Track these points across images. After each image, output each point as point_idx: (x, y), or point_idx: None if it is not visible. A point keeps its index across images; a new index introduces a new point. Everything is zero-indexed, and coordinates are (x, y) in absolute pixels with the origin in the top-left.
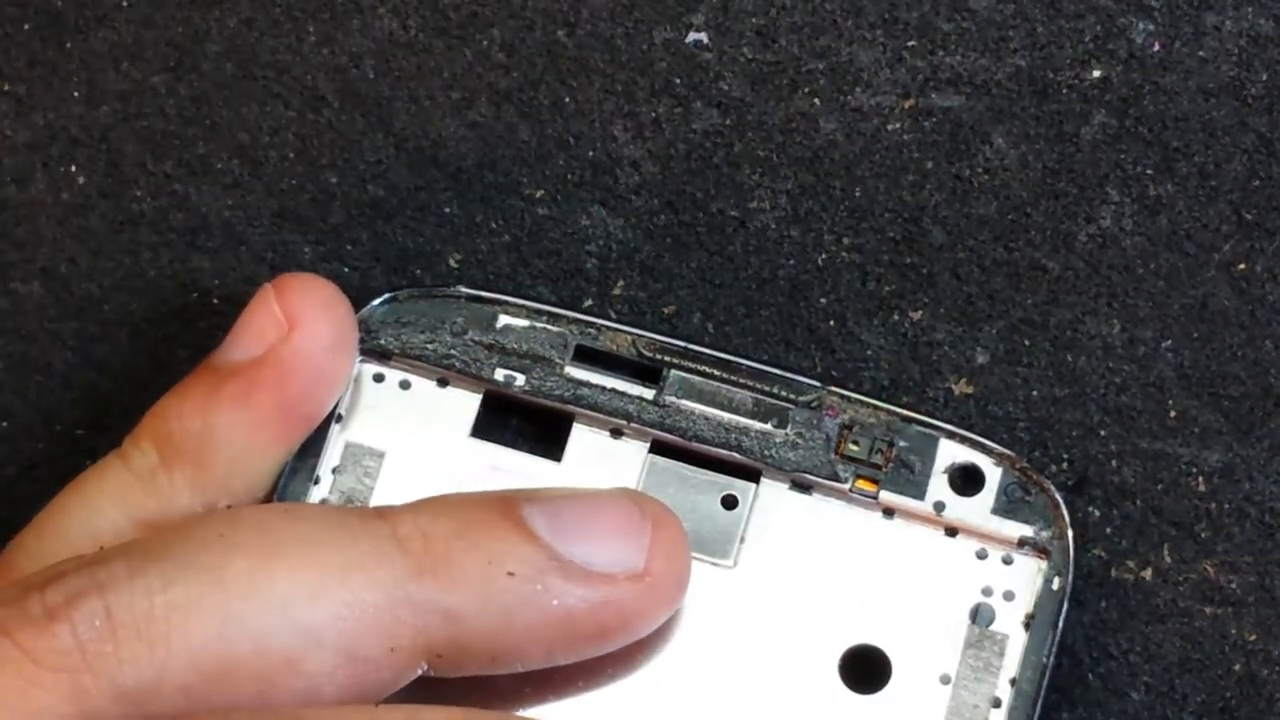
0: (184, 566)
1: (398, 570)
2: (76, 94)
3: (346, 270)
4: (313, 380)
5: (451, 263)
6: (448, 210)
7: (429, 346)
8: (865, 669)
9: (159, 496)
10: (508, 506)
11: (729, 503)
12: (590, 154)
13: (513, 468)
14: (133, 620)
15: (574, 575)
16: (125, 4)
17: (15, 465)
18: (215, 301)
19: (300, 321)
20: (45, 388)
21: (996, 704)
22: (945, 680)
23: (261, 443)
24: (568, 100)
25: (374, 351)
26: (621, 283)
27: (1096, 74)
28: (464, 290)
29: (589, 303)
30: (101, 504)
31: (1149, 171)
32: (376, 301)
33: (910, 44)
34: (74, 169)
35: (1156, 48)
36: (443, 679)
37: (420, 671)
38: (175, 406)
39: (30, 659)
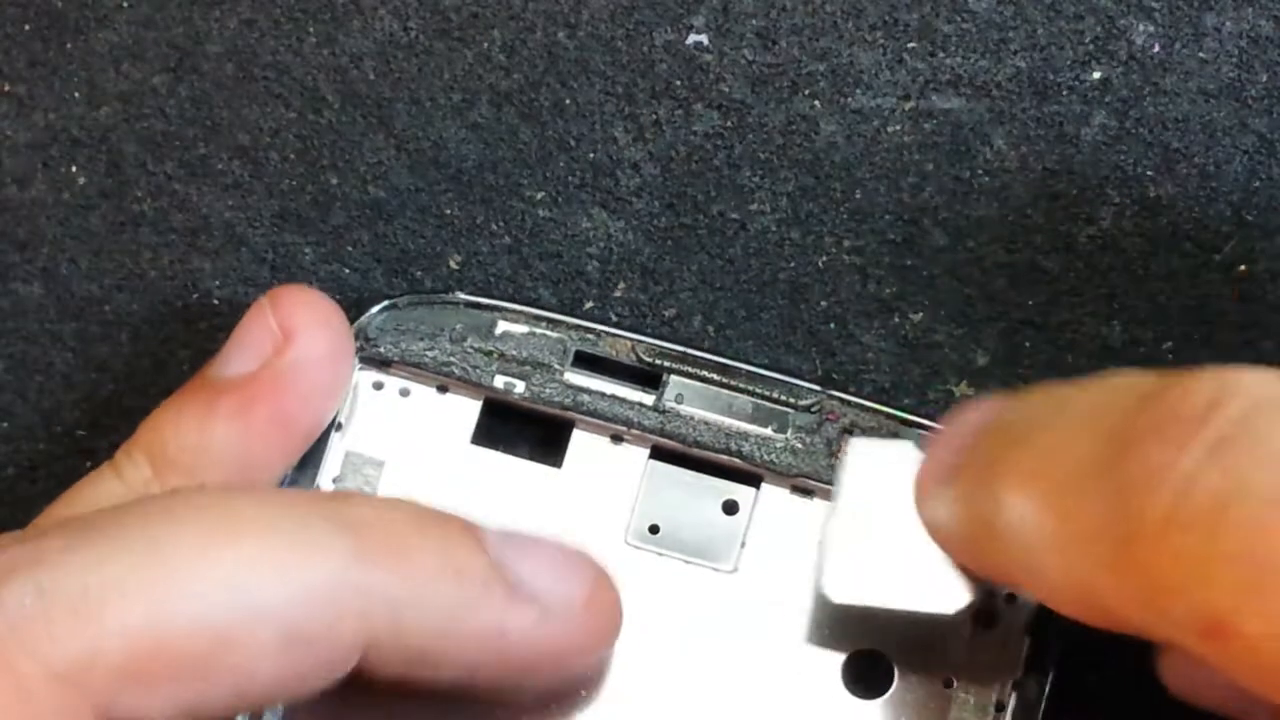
0: (123, 542)
1: (346, 552)
2: (77, 94)
3: (347, 271)
4: (310, 393)
5: (452, 264)
6: (448, 212)
7: (428, 354)
8: (868, 674)
9: None
10: (464, 521)
11: (730, 508)
12: (591, 156)
13: (513, 474)
14: (67, 598)
15: (516, 592)
16: (126, 5)
17: (15, 466)
18: (216, 302)
19: (296, 334)
20: (45, 388)
21: (1000, 708)
22: (949, 684)
23: (259, 456)
24: (568, 102)
25: (373, 359)
26: (622, 285)
27: (1097, 75)
28: (462, 297)
29: (590, 305)
30: None
31: (1149, 172)
32: (375, 309)
33: (910, 46)
34: (74, 169)
35: (1156, 49)
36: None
37: (355, 660)
38: (170, 420)
39: None
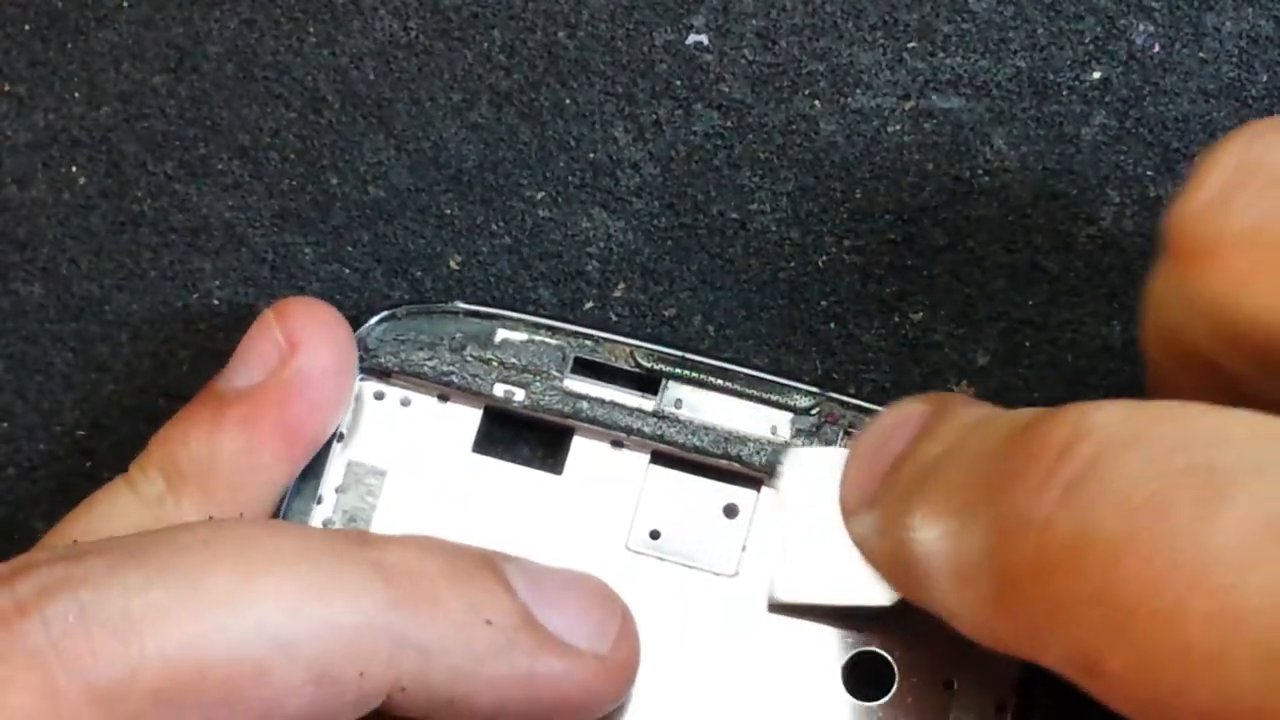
0: (164, 569)
1: (379, 597)
2: (77, 94)
3: (347, 272)
4: (315, 403)
5: (452, 264)
6: (448, 212)
7: (428, 363)
8: (869, 675)
9: (166, 522)
10: (491, 562)
11: (730, 512)
12: (591, 156)
13: (514, 481)
14: (108, 618)
15: (545, 639)
16: (126, 5)
17: (15, 466)
18: (216, 302)
19: (301, 344)
20: (45, 388)
21: (1001, 709)
22: (949, 686)
23: (266, 465)
24: (568, 102)
25: (374, 370)
26: (622, 285)
27: (1096, 75)
28: (461, 305)
29: (589, 305)
30: (109, 530)
31: (1149, 172)
32: (374, 320)
33: (910, 46)
34: (75, 169)
35: (1157, 49)
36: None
37: (380, 702)
38: (180, 433)
39: (0, 658)
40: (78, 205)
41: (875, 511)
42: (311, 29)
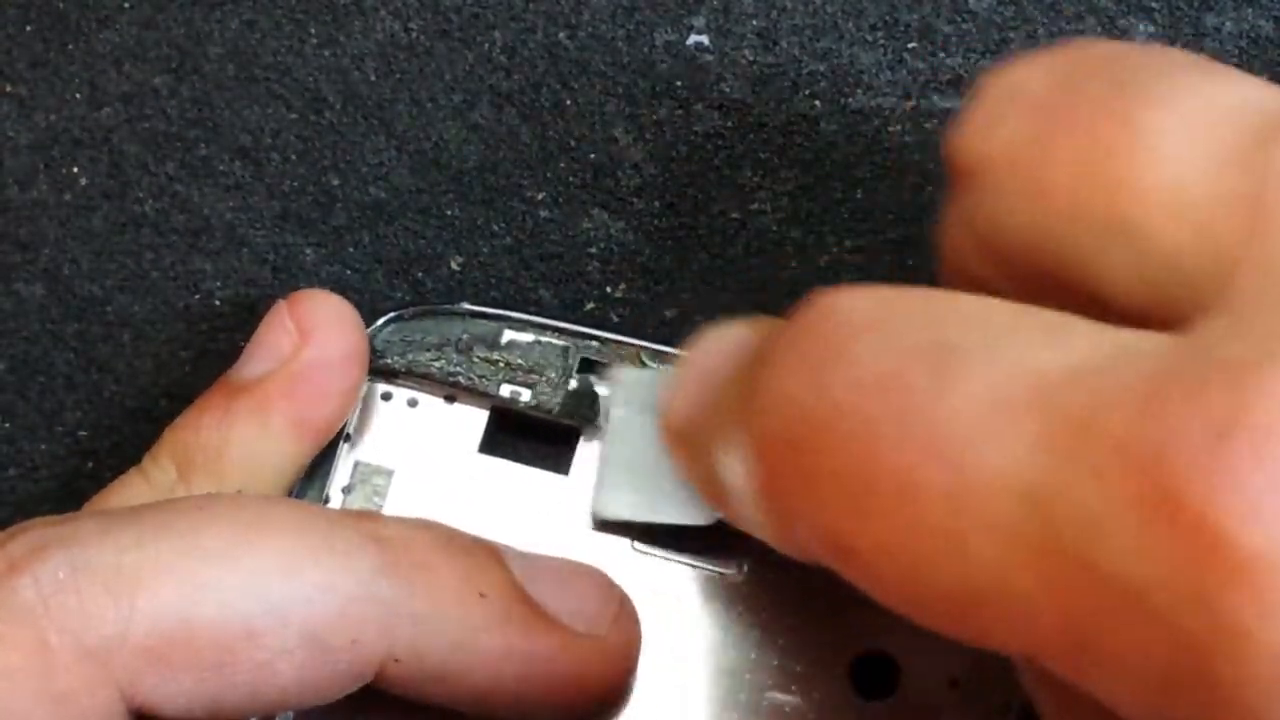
0: (157, 529)
1: (373, 565)
2: (79, 95)
3: (348, 272)
4: (326, 392)
5: (453, 265)
6: (449, 213)
7: (435, 364)
8: (874, 674)
9: None
10: (490, 545)
11: None
12: (591, 156)
13: (521, 482)
14: (100, 575)
15: (541, 617)
16: (128, 5)
17: (17, 466)
18: (217, 303)
19: (312, 335)
20: (47, 389)
21: (1006, 708)
22: (954, 684)
23: (277, 454)
24: (569, 102)
25: (381, 371)
26: (623, 285)
27: None
28: (467, 307)
29: (590, 305)
30: None
31: None
32: (380, 321)
33: (911, 46)
34: (76, 170)
35: None
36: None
37: (373, 673)
38: (193, 422)
39: None
40: (79, 206)
41: (690, 431)
42: (313, 30)
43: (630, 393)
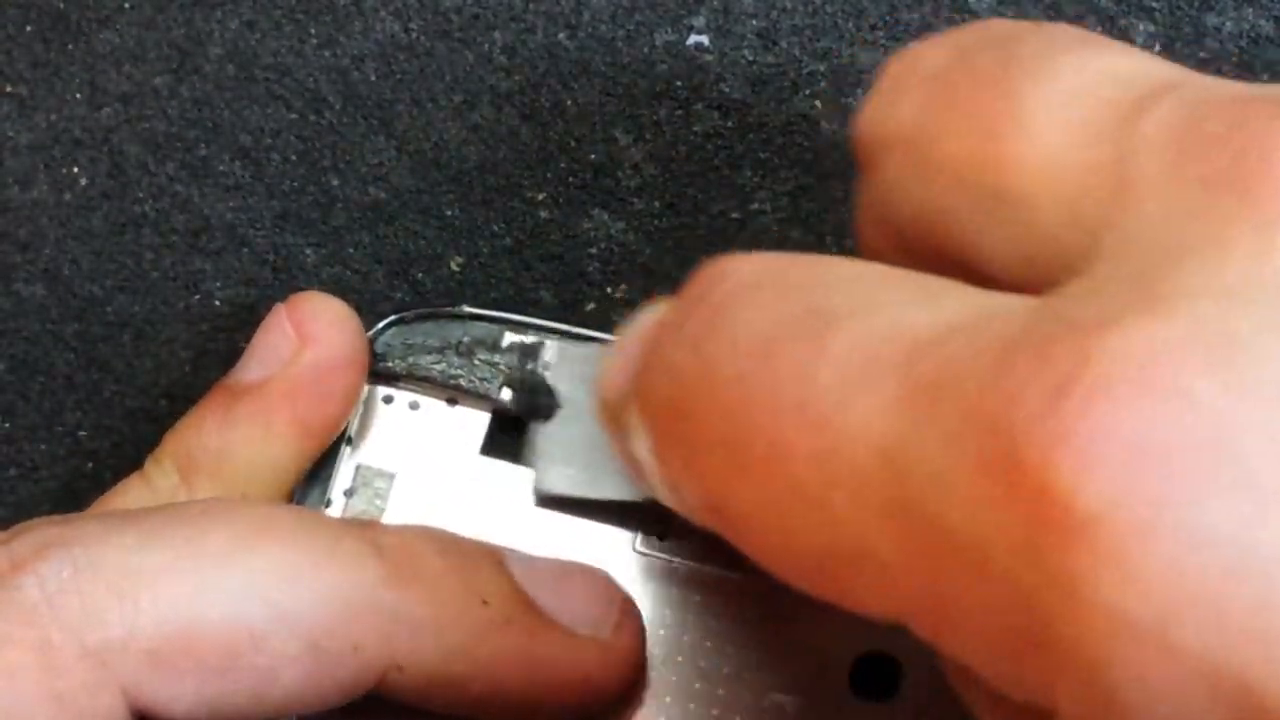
0: (162, 532)
1: (375, 574)
2: (79, 95)
3: (348, 273)
4: (327, 394)
5: (453, 265)
6: (449, 213)
7: (436, 367)
8: (877, 676)
9: None
10: (489, 548)
11: None
12: (591, 156)
13: (523, 484)
14: (104, 575)
15: (543, 621)
16: (128, 6)
17: (17, 467)
18: (217, 303)
19: (312, 338)
20: (47, 389)
21: None
22: None
23: (278, 457)
24: (569, 103)
25: (382, 374)
26: (624, 285)
27: None
28: (468, 310)
29: (591, 306)
30: None
31: None
32: (381, 324)
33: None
34: (76, 170)
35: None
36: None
37: (375, 682)
38: (194, 426)
39: None
40: (79, 206)
41: (615, 406)
42: (313, 30)
43: (572, 368)
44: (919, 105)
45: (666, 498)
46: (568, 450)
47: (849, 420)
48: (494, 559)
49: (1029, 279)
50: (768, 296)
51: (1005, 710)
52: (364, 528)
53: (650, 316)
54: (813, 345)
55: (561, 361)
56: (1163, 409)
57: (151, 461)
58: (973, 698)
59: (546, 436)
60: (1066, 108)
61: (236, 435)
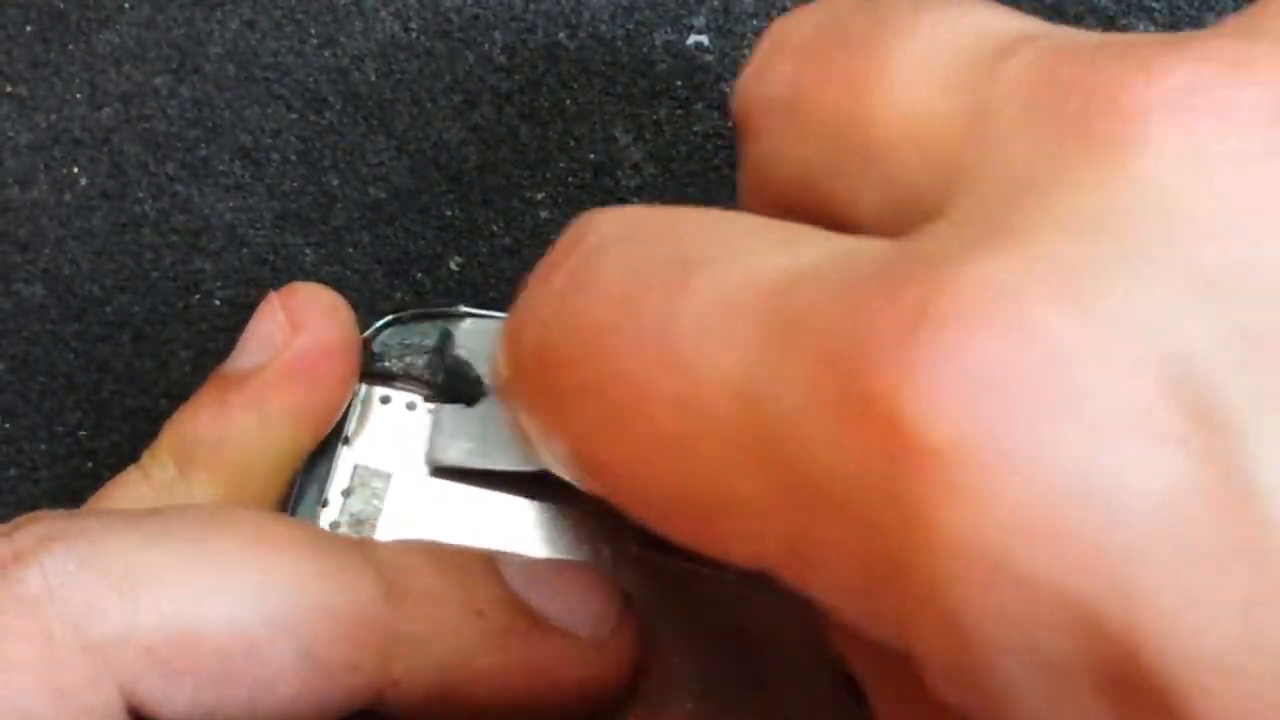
0: (167, 532)
1: (372, 590)
2: (79, 95)
3: (348, 272)
4: (321, 380)
5: (452, 265)
6: (449, 213)
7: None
8: None
9: (178, 503)
10: (485, 557)
11: None
12: (591, 156)
13: (520, 483)
14: (108, 572)
15: (540, 626)
16: (128, 6)
17: (17, 467)
18: (217, 303)
19: (305, 326)
20: (47, 389)
21: None
22: None
23: (276, 444)
24: (569, 103)
25: (379, 375)
26: None
27: None
28: (464, 309)
29: None
30: None
31: None
32: (378, 324)
33: None
34: (76, 170)
35: None
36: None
37: (371, 697)
38: (189, 418)
39: None
40: (79, 206)
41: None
42: (313, 30)
43: (467, 341)
44: (793, 69)
45: (549, 461)
46: (462, 421)
47: (708, 363)
48: (488, 568)
49: (895, 230)
50: (632, 246)
51: (873, 657)
52: (359, 544)
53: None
54: (674, 291)
55: (473, 338)
56: (1007, 340)
57: (149, 455)
58: (848, 650)
59: (442, 409)
60: (929, 61)
61: (232, 424)
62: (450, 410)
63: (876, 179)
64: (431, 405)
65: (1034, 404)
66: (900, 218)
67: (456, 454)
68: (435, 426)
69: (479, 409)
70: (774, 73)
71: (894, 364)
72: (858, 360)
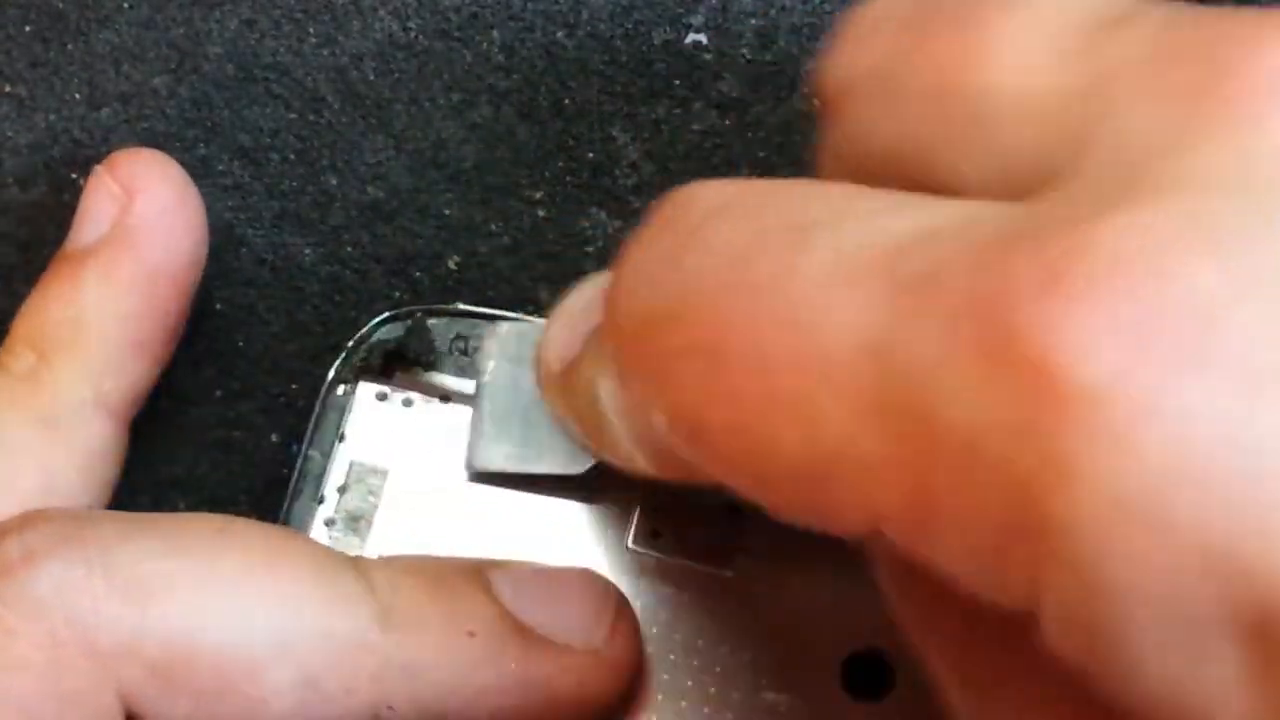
0: (176, 546)
1: (368, 615)
2: (78, 95)
3: (346, 272)
4: (167, 239)
5: (451, 264)
6: (447, 212)
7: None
8: (868, 674)
9: (46, 391)
10: (476, 571)
11: (731, 510)
12: (589, 155)
13: (517, 481)
14: (117, 579)
15: (533, 642)
16: (127, 6)
17: None
18: (218, 306)
19: (138, 189)
20: None
21: None
22: None
23: (132, 311)
24: (567, 101)
25: (376, 371)
26: None
27: None
28: (461, 307)
29: None
30: None
31: None
32: (375, 321)
33: None
34: (76, 171)
35: None
36: None
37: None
38: (39, 304)
39: (4, 605)
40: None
41: (563, 372)
42: (311, 30)
43: (504, 346)
44: (893, 43)
45: (622, 443)
46: (502, 426)
47: (833, 320)
48: (480, 584)
49: (1002, 198)
50: (742, 213)
51: (947, 626)
52: (356, 563)
53: (589, 288)
54: (793, 251)
55: (490, 341)
56: (1159, 291)
57: (4, 350)
58: (914, 626)
59: (478, 413)
60: (1040, 31)
61: (86, 298)
62: (489, 414)
63: (986, 148)
64: (461, 409)
65: (1183, 353)
66: (1009, 185)
67: (501, 460)
68: (474, 432)
69: (518, 412)
70: (870, 48)
71: (1042, 313)
72: (1002, 311)
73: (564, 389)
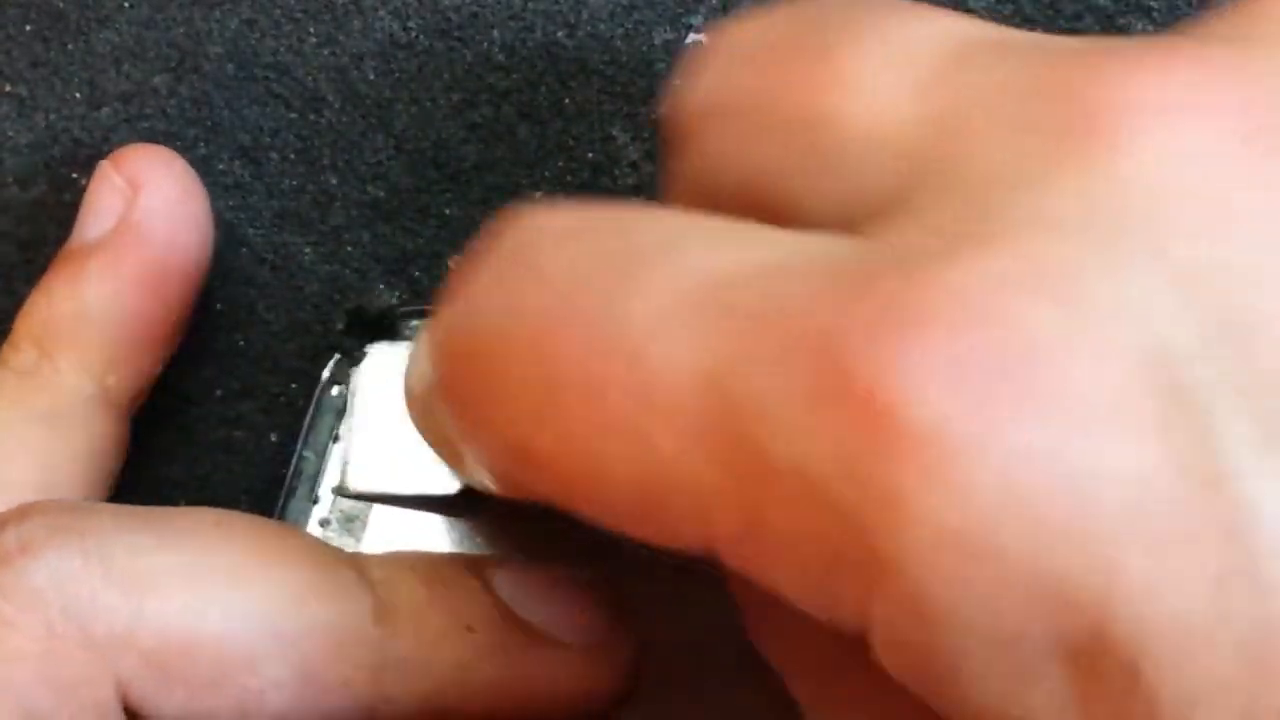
0: (174, 538)
1: (366, 609)
2: (78, 95)
3: (346, 271)
4: (172, 233)
5: (451, 265)
6: (448, 211)
7: None
8: None
9: (49, 387)
10: (474, 568)
11: None
12: (589, 155)
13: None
14: (114, 570)
15: (531, 638)
16: (127, 5)
17: None
18: (218, 306)
19: (143, 183)
20: None
21: None
22: None
23: (136, 306)
24: (567, 101)
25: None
26: None
27: None
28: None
29: None
30: None
31: None
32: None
33: None
34: (76, 170)
35: None
36: None
37: (364, 717)
38: (43, 300)
39: (1, 596)
40: (79, 206)
41: (426, 393)
42: (312, 29)
43: (379, 365)
44: (749, 73)
45: (473, 468)
46: (373, 447)
47: (665, 351)
48: (478, 580)
49: (848, 229)
50: (574, 239)
51: (798, 643)
52: (353, 560)
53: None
54: (624, 280)
55: (367, 361)
56: (987, 332)
57: (7, 346)
58: (765, 639)
59: (350, 434)
60: (897, 63)
61: (90, 293)
62: (359, 437)
63: (835, 178)
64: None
65: (1013, 392)
66: (856, 218)
67: (372, 481)
68: (346, 453)
69: (388, 433)
70: (726, 77)
71: (875, 352)
72: (837, 348)
73: (422, 411)
